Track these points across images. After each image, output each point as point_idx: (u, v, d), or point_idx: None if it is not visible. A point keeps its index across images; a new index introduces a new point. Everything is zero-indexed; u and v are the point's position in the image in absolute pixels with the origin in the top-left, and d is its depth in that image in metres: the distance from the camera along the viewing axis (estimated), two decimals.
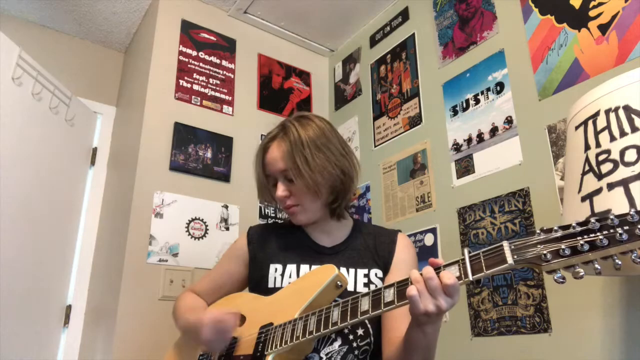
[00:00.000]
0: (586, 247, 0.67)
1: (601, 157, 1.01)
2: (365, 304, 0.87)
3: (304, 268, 1.13)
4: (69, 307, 2.23)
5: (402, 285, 0.84)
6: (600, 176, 1.00)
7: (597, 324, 1.37)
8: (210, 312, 1.07)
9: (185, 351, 1.21)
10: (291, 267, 1.14)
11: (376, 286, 1.10)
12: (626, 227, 0.65)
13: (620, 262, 0.66)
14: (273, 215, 2.29)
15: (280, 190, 1.12)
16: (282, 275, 1.13)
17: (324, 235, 1.20)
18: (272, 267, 1.15)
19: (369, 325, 1.07)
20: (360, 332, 1.05)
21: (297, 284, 1.07)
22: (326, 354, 1.02)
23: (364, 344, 1.06)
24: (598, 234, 0.67)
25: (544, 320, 1.49)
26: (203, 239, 2.06)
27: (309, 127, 1.13)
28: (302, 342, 0.94)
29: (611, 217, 0.67)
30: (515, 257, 0.72)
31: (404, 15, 2.37)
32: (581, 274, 0.68)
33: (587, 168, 1.04)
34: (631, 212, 0.66)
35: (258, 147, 1.19)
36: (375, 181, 2.31)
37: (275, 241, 1.21)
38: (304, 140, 1.10)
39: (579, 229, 0.69)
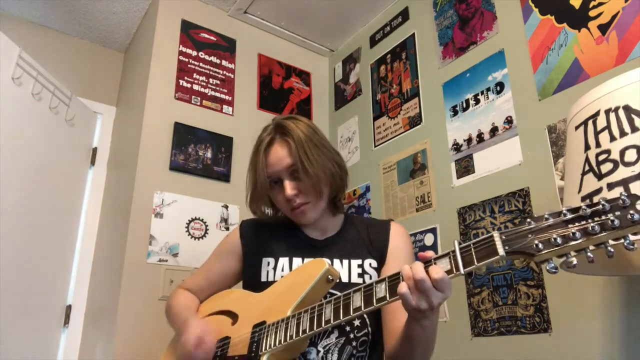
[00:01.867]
0: (578, 235, 0.65)
1: (601, 157, 1.01)
2: (357, 301, 0.87)
3: (297, 261, 1.13)
4: (69, 307, 2.23)
5: (393, 280, 0.83)
6: (600, 176, 1.00)
7: (597, 324, 1.37)
8: (198, 325, 1.06)
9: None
10: (283, 261, 1.14)
11: (371, 277, 1.10)
12: (617, 213, 0.64)
13: (612, 250, 0.65)
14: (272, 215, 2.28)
15: (290, 188, 1.10)
16: (275, 268, 1.13)
17: (316, 229, 1.20)
18: (265, 260, 1.15)
19: (365, 316, 1.07)
20: (356, 322, 1.06)
21: (288, 280, 1.07)
22: (323, 347, 1.02)
23: (361, 335, 1.06)
24: (589, 220, 0.66)
25: (544, 320, 1.49)
26: (203, 239, 2.07)
27: (301, 126, 1.14)
28: (296, 341, 0.94)
29: (602, 202, 0.65)
30: (507, 247, 0.71)
31: (404, 15, 2.37)
32: (574, 263, 0.67)
33: (587, 168, 1.04)
34: (622, 197, 0.64)
35: (256, 154, 1.16)
36: (375, 181, 2.31)
37: (268, 235, 1.21)
38: (304, 138, 1.11)
39: (569, 216, 0.67)
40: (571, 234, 0.66)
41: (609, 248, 0.65)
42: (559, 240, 0.67)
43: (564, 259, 0.68)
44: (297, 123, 1.15)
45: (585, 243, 0.66)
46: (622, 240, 0.64)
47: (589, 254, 0.66)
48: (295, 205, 1.12)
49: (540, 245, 0.68)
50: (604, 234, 0.64)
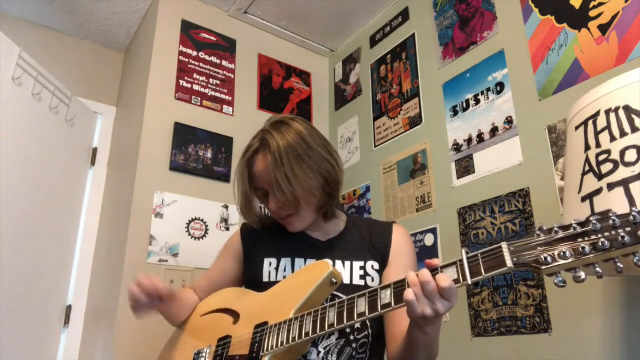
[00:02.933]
0: (587, 249, 0.65)
1: (601, 157, 1.01)
2: (361, 306, 0.86)
3: (299, 262, 1.13)
4: (69, 307, 2.23)
5: (398, 287, 0.83)
6: (600, 176, 1.00)
7: (597, 324, 1.37)
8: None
9: (177, 350, 1.20)
10: (285, 261, 1.14)
11: (372, 279, 1.10)
12: (628, 229, 0.63)
13: (622, 266, 0.63)
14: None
15: (273, 202, 1.11)
16: (277, 269, 1.13)
17: (317, 230, 1.19)
18: (267, 260, 1.15)
19: None
20: (356, 324, 1.06)
21: (291, 281, 1.07)
22: (324, 348, 1.03)
23: (361, 337, 1.06)
24: (599, 235, 0.65)
25: (544, 320, 1.49)
26: (203, 239, 2.06)
27: (288, 135, 1.10)
28: (298, 343, 0.93)
29: (612, 217, 0.64)
30: (515, 259, 0.71)
31: (404, 15, 2.37)
32: (582, 277, 0.66)
33: (587, 168, 1.04)
34: (633, 213, 0.63)
35: (240, 163, 1.16)
36: (375, 181, 2.31)
37: (269, 235, 1.21)
38: (284, 152, 1.07)
39: (579, 229, 0.67)
40: (580, 249, 0.65)
41: (619, 264, 0.64)
42: (568, 254, 0.66)
43: (572, 272, 0.67)
44: (285, 131, 1.11)
45: (595, 258, 0.65)
46: (632, 257, 0.63)
47: (597, 268, 0.65)
48: (282, 216, 1.14)
49: (549, 259, 0.68)
50: (613, 250, 0.63)
